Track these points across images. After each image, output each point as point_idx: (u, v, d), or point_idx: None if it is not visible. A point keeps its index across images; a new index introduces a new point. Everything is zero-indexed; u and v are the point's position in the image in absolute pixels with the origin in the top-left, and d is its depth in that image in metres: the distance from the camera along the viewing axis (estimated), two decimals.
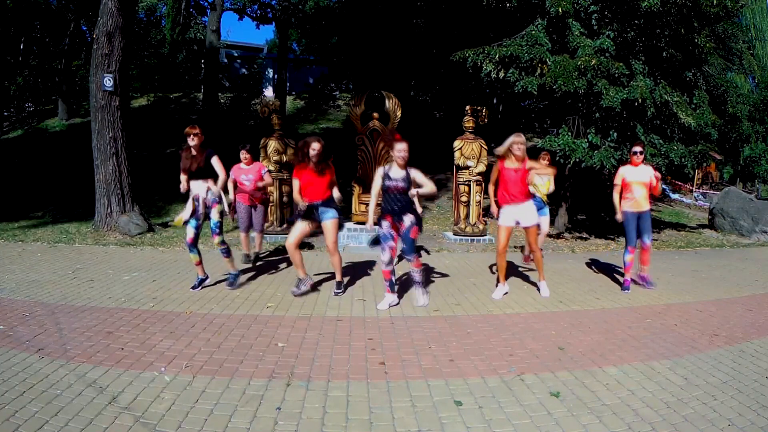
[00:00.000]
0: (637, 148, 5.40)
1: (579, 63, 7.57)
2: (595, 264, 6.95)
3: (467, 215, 8.31)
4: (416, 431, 2.50)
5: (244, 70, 24.10)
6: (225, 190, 5.07)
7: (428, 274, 5.96)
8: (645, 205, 5.36)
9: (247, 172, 6.18)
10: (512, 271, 6.18)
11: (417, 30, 15.79)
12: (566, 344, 3.73)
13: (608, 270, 6.51)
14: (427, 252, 7.45)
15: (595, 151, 8.01)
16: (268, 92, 23.26)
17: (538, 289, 5.21)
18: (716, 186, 18.44)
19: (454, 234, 8.35)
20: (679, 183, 16.97)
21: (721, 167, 20.08)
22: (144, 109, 18.36)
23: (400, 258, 4.71)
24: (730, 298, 5.24)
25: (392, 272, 4.56)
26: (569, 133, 8.33)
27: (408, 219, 4.45)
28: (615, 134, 8.24)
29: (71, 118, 18.13)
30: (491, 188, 5.13)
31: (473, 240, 8.15)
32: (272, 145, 7.94)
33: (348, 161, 11.26)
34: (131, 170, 8.52)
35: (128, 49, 8.64)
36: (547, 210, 6.52)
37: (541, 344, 3.72)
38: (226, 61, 24.11)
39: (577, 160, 7.96)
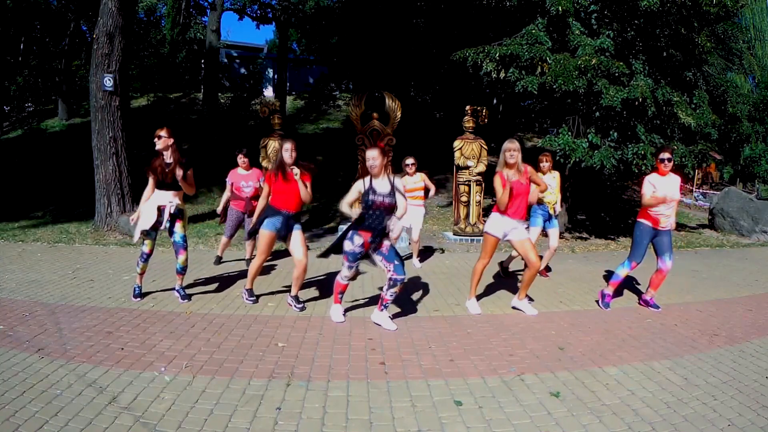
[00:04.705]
0: (666, 155, 4.43)
1: (579, 62, 7.57)
2: (595, 264, 6.95)
3: (467, 215, 8.32)
4: (416, 431, 2.50)
5: (244, 70, 24.08)
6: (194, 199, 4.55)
7: (428, 273, 5.96)
8: (670, 224, 4.54)
9: (246, 179, 5.93)
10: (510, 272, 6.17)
11: (417, 30, 15.79)
12: (566, 344, 3.73)
13: (608, 270, 6.50)
14: (432, 252, 7.42)
15: (595, 151, 8.01)
16: (268, 92, 23.25)
17: (514, 307, 4.60)
18: (716, 186, 18.44)
19: (454, 234, 8.35)
20: (681, 184, 16.98)
21: (721, 167, 20.10)
22: (144, 109, 18.35)
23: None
24: (730, 298, 5.24)
25: (345, 289, 4.15)
26: (569, 133, 8.33)
27: (387, 241, 3.94)
28: (615, 134, 8.25)
29: (71, 118, 18.13)
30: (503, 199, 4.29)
31: (473, 240, 8.15)
32: (272, 145, 7.93)
33: (348, 161, 11.26)
34: (131, 170, 8.53)
35: (128, 49, 8.64)
36: (556, 222, 5.80)
37: (541, 344, 3.72)
38: (226, 61, 24.10)
39: (577, 160, 7.95)
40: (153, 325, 3.93)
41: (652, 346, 3.72)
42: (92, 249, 7.11)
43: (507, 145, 4.29)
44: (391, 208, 3.89)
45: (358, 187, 4.00)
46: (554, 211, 5.72)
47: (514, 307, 4.62)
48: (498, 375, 3.15)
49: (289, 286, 4.63)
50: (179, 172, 4.24)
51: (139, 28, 20.67)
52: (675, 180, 4.55)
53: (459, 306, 4.69)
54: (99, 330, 3.76)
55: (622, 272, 4.66)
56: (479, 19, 12.29)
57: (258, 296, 4.72)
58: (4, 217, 9.37)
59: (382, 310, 4.07)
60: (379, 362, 3.31)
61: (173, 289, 4.73)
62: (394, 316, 4.27)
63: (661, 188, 4.46)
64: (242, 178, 5.95)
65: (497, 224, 4.36)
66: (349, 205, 3.97)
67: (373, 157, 3.91)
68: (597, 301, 4.88)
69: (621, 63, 7.75)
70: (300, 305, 4.47)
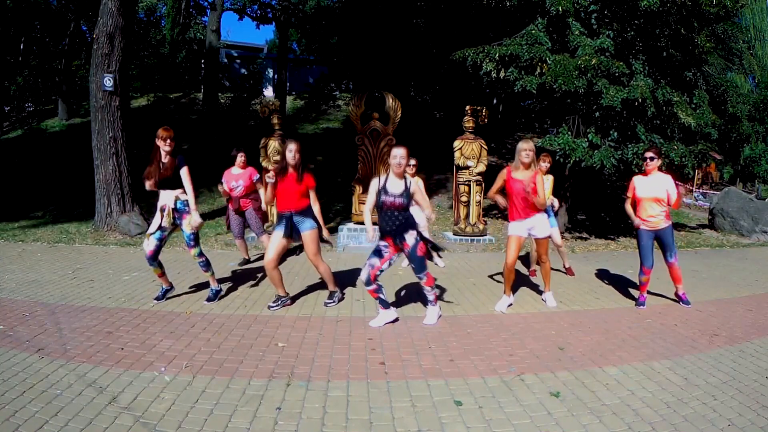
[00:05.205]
0: (649, 154, 4.58)
1: (579, 62, 7.57)
2: (595, 264, 6.95)
3: (467, 215, 8.31)
4: (416, 431, 2.50)
5: (244, 70, 24.08)
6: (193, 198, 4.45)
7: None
8: (662, 223, 4.60)
9: (237, 178, 5.99)
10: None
11: (417, 30, 15.78)
12: (566, 344, 3.73)
13: (608, 270, 6.51)
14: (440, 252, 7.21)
15: (595, 151, 8.00)
16: (268, 92, 23.26)
17: (544, 300, 4.88)
18: (716, 186, 18.44)
19: (454, 234, 8.35)
20: (679, 183, 17.00)
21: (721, 167, 20.12)
22: (144, 109, 18.35)
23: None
24: (730, 298, 5.24)
25: (377, 290, 4.02)
26: (569, 133, 8.33)
27: (411, 237, 3.92)
28: (615, 134, 8.24)
29: (71, 118, 18.12)
30: (498, 197, 4.59)
31: (473, 240, 8.15)
32: (272, 145, 7.93)
33: (348, 161, 11.26)
34: (131, 170, 8.53)
35: (128, 49, 8.64)
36: (554, 220, 5.87)
37: (541, 344, 3.72)
38: (226, 61, 24.11)
39: (577, 159, 7.95)
40: (153, 325, 3.93)
41: (652, 346, 3.72)
42: (92, 249, 7.11)
43: (522, 145, 4.40)
44: (402, 208, 3.89)
45: (374, 186, 3.97)
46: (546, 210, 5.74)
47: (543, 299, 4.91)
48: (498, 375, 3.15)
49: (325, 285, 4.80)
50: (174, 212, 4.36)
51: (139, 28, 20.67)
52: (661, 179, 4.61)
53: (459, 306, 4.69)
54: (99, 330, 3.77)
55: (642, 279, 4.77)
56: (479, 19, 12.28)
57: (280, 298, 4.52)
58: (4, 217, 9.37)
59: (429, 306, 4.22)
60: (379, 362, 3.31)
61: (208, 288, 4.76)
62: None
63: (642, 188, 4.61)
64: (233, 178, 6.02)
65: (515, 226, 4.51)
66: (370, 210, 4.03)
67: (401, 155, 3.86)
68: (635, 301, 4.94)
69: (621, 63, 7.75)
70: (331, 301, 4.60)
